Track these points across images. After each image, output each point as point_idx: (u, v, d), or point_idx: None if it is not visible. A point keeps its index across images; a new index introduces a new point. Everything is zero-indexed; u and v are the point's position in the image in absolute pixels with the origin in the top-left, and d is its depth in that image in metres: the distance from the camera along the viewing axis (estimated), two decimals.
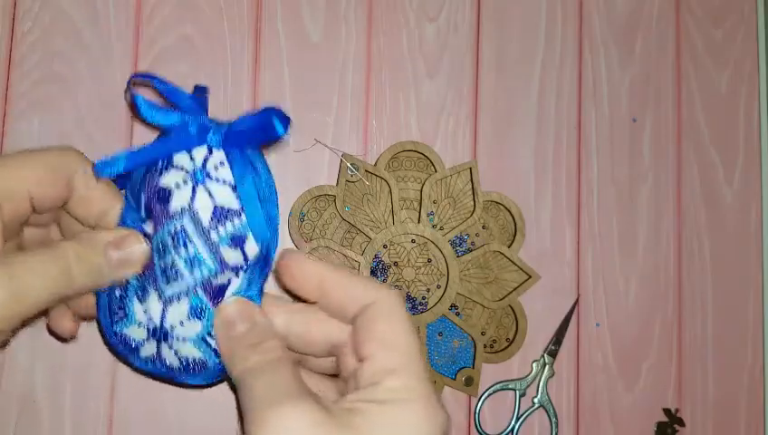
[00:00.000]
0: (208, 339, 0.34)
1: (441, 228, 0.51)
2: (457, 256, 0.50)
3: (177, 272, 0.33)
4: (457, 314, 0.51)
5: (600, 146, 0.54)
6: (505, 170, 0.53)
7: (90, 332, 0.46)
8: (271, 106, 0.35)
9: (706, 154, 0.56)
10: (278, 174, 0.49)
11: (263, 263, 0.34)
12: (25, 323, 0.31)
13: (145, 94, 0.34)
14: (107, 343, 0.36)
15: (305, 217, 0.49)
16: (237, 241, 0.34)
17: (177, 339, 0.34)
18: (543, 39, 0.55)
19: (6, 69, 0.48)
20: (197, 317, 0.34)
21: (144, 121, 0.34)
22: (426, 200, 0.50)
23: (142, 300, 0.34)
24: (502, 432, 0.51)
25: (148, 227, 0.34)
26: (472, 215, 0.50)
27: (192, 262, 0.33)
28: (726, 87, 0.57)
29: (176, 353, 0.34)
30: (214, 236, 0.33)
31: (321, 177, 0.50)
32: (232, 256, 0.34)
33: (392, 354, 0.30)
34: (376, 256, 0.50)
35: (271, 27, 0.51)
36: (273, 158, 0.50)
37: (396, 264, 0.50)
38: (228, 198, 0.34)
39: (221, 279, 0.34)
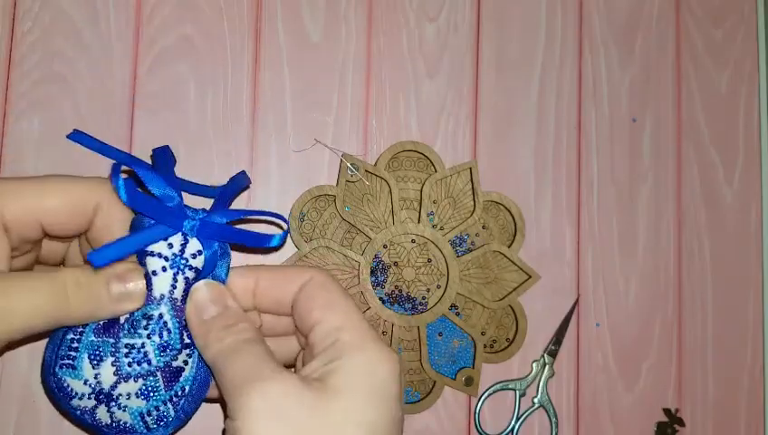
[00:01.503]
0: (146, 416, 0.34)
1: (441, 228, 0.51)
2: (457, 256, 0.50)
3: (144, 355, 0.34)
4: (457, 314, 0.51)
5: (600, 146, 0.54)
6: (505, 170, 0.53)
7: None
8: (241, 186, 0.37)
9: (706, 154, 0.56)
10: (278, 174, 0.50)
11: None
12: (11, 346, 0.31)
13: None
14: (42, 378, 0.35)
15: (305, 217, 0.49)
16: None
17: (119, 407, 0.34)
18: (543, 39, 0.55)
19: (6, 69, 0.48)
20: (146, 397, 0.34)
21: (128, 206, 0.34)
22: (426, 200, 0.50)
23: (94, 363, 0.34)
24: (502, 432, 0.51)
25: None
26: (472, 215, 0.50)
27: (164, 348, 0.34)
28: (726, 87, 0.57)
29: (111, 416, 0.35)
30: (185, 320, 0.34)
31: (321, 177, 0.50)
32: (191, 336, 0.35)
33: (337, 314, 0.32)
34: (376, 256, 0.50)
35: (271, 27, 0.51)
36: (273, 158, 0.50)
37: (396, 264, 0.50)
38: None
39: (178, 362, 0.35)
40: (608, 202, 0.54)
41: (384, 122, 0.52)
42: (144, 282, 0.34)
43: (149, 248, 0.34)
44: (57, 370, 0.34)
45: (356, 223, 0.49)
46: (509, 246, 0.51)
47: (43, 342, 0.46)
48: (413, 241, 0.50)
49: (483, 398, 0.50)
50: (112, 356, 0.34)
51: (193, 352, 0.35)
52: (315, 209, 0.50)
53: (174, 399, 0.35)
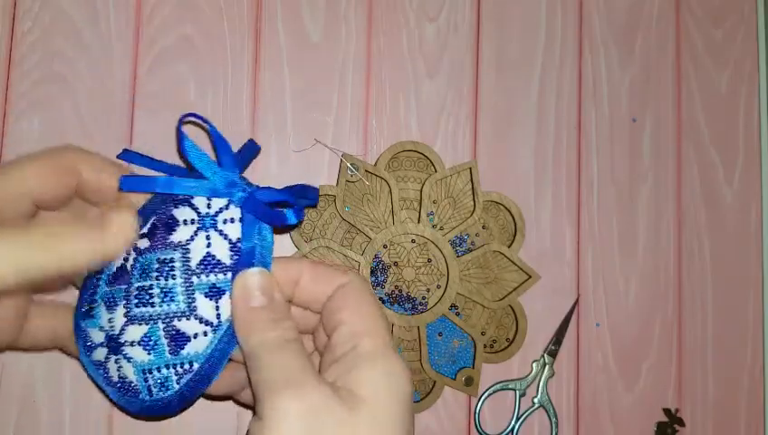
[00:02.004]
0: (147, 374, 0.34)
1: (441, 228, 0.51)
2: (457, 256, 0.50)
3: (150, 297, 0.34)
4: (457, 314, 0.51)
5: (600, 146, 0.54)
6: (505, 170, 0.53)
7: None
8: (305, 191, 0.36)
9: (706, 154, 0.56)
10: (278, 174, 0.50)
11: (232, 336, 0.34)
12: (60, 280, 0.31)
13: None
14: (75, 331, 0.37)
15: (305, 217, 0.49)
16: (215, 293, 0.34)
17: (124, 356, 0.34)
18: (543, 39, 0.55)
19: (6, 69, 0.48)
20: (147, 347, 0.34)
21: (183, 158, 0.35)
22: (426, 200, 0.50)
23: (109, 309, 0.35)
24: (502, 432, 0.51)
25: (143, 243, 0.35)
26: (472, 215, 0.50)
27: (166, 294, 0.34)
28: (726, 87, 0.57)
29: (118, 369, 0.35)
30: (195, 279, 0.34)
31: (321, 177, 0.50)
32: (204, 305, 0.34)
33: (364, 319, 0.33)
34: (376, 256, 0.50)
35: (271, 27, 0.51)
36: (273, 158, 0.50)
37: (396, 264, 0.50)
38: (223, 252, 0.34)
39: (185, 326, 0.34)
40: (608, 202, 0.54)
41: (384, 122, 0.52)
42: (131, 221, 0.32)
43: (193, 198, 0.35)
44: (81, 322, 0.36)
45: (356, 223, 0.49)
46: (509, 246, 0.51)
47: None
48: (413, 241, 0.50)
49: (483, 398, 0.50)
50: (124, 299, 0.34)
51: (215, 331, 0.34)
52: (315, 209, 0.50)
53: (179, 369, 0.34)
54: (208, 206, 0.35)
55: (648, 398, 0.53)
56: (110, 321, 0.35)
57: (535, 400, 0.51)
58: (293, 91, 0.51)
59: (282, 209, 0.35)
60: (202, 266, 0.34)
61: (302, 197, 0.36)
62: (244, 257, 0.34)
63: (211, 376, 0.35)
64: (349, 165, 0.49)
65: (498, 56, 0.54)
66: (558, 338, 0.52)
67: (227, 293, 0.34)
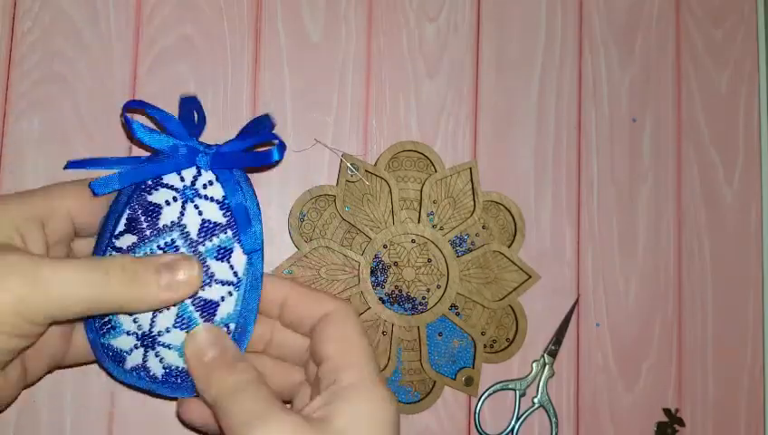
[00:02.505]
0: None
1: (441, 228, 0.51)
2: (457, 256, 0.50)
3: None
4: (457, 314, 0.51)
5: (600, 146, 0.54)
6: (505, 170, 0.53)
7: None
8: (258, 123, 0.37)
9: (706, 154, 0.56)
10: (278, 174, 0.50)
11: (254, 280, 0.36)
12: (44, 329, 0.31)
13: (139, 120, 0.36)
14: (96, 357, 0.37)
15: (305, 217, 0.49)
16: (224, 253, 0.36)
17: (163, 346, 0.36)
18: (543, 39, 0.55)
19: (6, 69, 0.48)
20: (183, 326, 0.35)
21: (139, 143, 0.35)
22: (426, 200, 0.50)
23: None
24: (502, 432, 0.51)
25: (128, 240, 0.35)
26: (472, 215, 0.50)
27: None
28: (726, 87, 0.57)
29: (161, 361, 0.36)
30: (201, 248, 0.35)
31: (321, 177, 0.50)
32: (219, 268, 0.36)
33: (347, 352, 0.33)
34: (376, 256, 0.50)
35: (271, 27, 0.51)
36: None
37: (396, 264, 0.50)
38: (215, 214, 0.36)
39: (210, 293, 0.35)
40: (608, 202, 0.54)
41: (384, 122, 0.52)
42: (197, 270, 0.34)
43: (163, 179, 0.35)
44: (102, 341, 0.36)
45: (356, 223, 0.49)
46: (509, 246, 0.51)
47: None
48: (413, 241, 0.50)
49: (483, 398, 0.50)
50: None
51: (237, 288, 0.36)
52: (315, 209, 0.50)
53: None
54: (182, 179, 0.36)
55: (647, 398, 0.53)
56: (135, 321, 0.35)
57: (535, 400, 0.51)
58: (293, 91, 0.51)
59: (257, 151, 0.36)
60: (203, 234, 0.35)
61: (259, 132, 0.37)
62: (237, 213, 0.35)
63: (247, 329, 0.36)
64: (349, 165, 0.49)
65: (498, 56, 0.54)
66: (558, 338, 0.52)
67: (234, 249, 0.35)
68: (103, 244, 0.36)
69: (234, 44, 0.50)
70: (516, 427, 0.51)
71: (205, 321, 0.35)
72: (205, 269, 0.35)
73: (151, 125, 0.39)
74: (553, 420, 0.51)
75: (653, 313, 0.54)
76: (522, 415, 0.51)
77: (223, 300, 0.36)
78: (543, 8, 0.55)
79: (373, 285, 0.49)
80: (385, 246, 0.50)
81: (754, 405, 0.54)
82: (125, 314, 0.35)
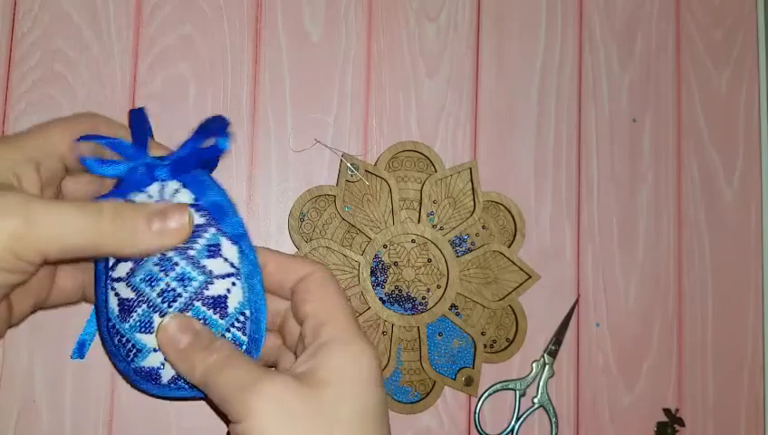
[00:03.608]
0: None
1: (441, 228, 0.51)
2: (457, 256, 0.50)
3: (173, 291, 0.36)
4: (457, 314, 0.51)
5: (599, 146, 0.54)
6: (505, 170, 0.53)
7: None
8: (208, 123, 0.38)
9: (706, 154, 0.56)
10: (278, 174, 0.50)
11: (250, 264, 0.37)
12: (37, 269, 0.32)
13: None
14: (133, 384, 0.38)
15: (305, 217, 0.49)
16: (214, 250, 0.37)
17: None
18: (543, 39, 0.55)
19: (6, 69, 0.48)
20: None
21: (98, 176, 0.36)
22: (426, 200, 0.50)
23: (148, 331, 0.36)
24: (502, 432, 0.51)
25: (125, 268, 0.36)
26: (472, 215, 0.50)
27: (183, 279, 0.36)
28: (726, 87, 0.57)
29: None
30: (191, 252, 0.36)
31: (321, 177, 0.50)
32: (215, 265, 0.37)
33: (326, 308, 0.35)
34: (376, 256, 0.50)
35: (271, 27, 0.51)
36: (273, 158, 0.50)
37: (396, 264, 0.50)
38: (194, 217, 0.36)
39: (216, 290, 0.37)
40: (608, 202, 0.54)
41: (384, 122, 0.52)
42: (189, 219, 0.35)
43: (134, 202, 0.36)
44: (134, 365, 0.37)
45: (356, 223, 0.49)
46: (509, 246, 0.51)
47: (44, 342, 0.46)
48: (413, 241, 0.50)
49: (483, 398, 0.50)
50: (154, 312, 0.36)
51: (239, 277, 0.37)
52: (315, 209, 0.50)
53: (237, 324, 0.37)
54: (150, 196, 0.37)
55: (647, 398, 0.53)
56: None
57: (535, 400, 0.51)
58: (293, 91, 0.51)
59: (206, 147, 0.37)
60: (189, 239, 0.36)
61: (211, 129, 0.38)
62: (213, 210, 0.37)
63: (262, 310, 0.37)
64: (349, 165, 0.49)
65: (498, 56, 0.54)
66: (558, 338, 0.52)
67: (222, 243, 0.37)
68: (101, 281, 0.37)
69: (234, 44, 0.50)
70: (516, 427, 0.51)
71: (220, 316, 0.37)
72: (201, 269, 0.36)
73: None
74: (553, 420, 0.51)
75: (653, 313, 0.54)
76: (522, 415, 0.51)
77: (229, 292, 0.37)
78: (543, 8, 0.55)
79: (373, 285, 0.49)
80: (385, 246, 0.50)
81: (754, 405, 0.54)
82: (120, 258, 0.36)
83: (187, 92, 0.49)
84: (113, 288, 0.37)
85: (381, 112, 0.52)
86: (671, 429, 0.52)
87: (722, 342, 0.54)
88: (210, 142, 0.37)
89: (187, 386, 0.37)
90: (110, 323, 0.37)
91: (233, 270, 0.37)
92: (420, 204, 0.50)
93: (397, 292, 0.50)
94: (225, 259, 0.37)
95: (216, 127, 0.38)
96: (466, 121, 0.53)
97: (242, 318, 0.37)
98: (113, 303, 0.37)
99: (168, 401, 0.47)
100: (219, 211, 0.37)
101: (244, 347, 0.37)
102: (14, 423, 0.45)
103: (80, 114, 0.37)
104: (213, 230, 0.37)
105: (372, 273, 0.50)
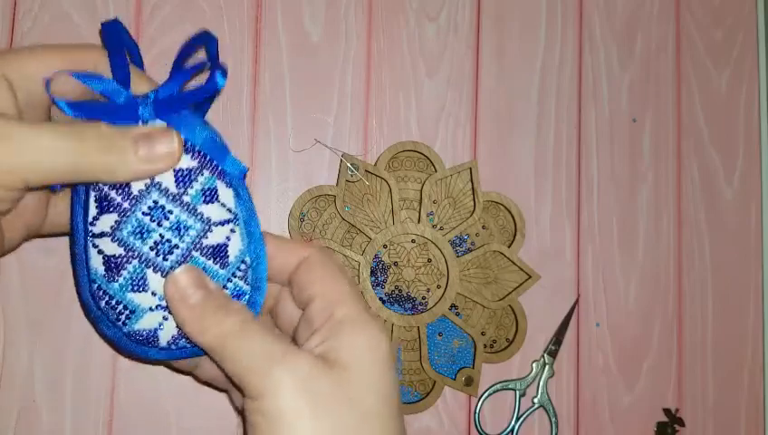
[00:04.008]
0: None
1: (441, 228, 0.51)
2: (457, 256, 0.50)
3: (168, 243, 0.33)
4: (457, 314, 0.51)
5: (599, 146, 0.54)
6: (505, 170, 0.53)
7: (89, 332, 0.46)
8: (193, 43, 0.35)
9: (706, 154, 0.56)
10: (278, 174, 0.50)
11: (247, 209, 0.35)
12: (24, 192, 0.30)
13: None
14: (124, 350, 0.36)
15: (305, 217, 0.49)
16: (210, 194, 0.34)
17: None
18: (543, 39, 0.55)
19: None
20: None
21: (79, 118, 0.33)
22: (426, 200, 0.50)
23: (141, 289, 0.33)
24: (502, 432, 0.51)
25: (109, 221, 0.33)
26: (472, 215, 0.50)
27: (178, 228, 0.33)
28: (726, 87, 0.57)
29: None
30: (186, 198, 0.33)
31: (321, 177, 0.50)
32: (212, 211, 0.34)
33: (335, 289, 0.33)
34: (376, 256, 0.50)
35: (271, 27, 0.51)
36: (273, 158, 0.50)
37: (396, 264, 0.50)
38: (185, 160, 0.33)
39: (214, 238, 0.34)
40: (608, 202, 0.54)
41: (384, 122, 0.52)
42: (176, 141, 0.32)
43: None
44: (126, 330, 0.34)
45: (356, 223, 0.49)
46: (509, 246, 0.51)
47: (44, 342, 0.46)
48: (413, 241, 0.50)
49: (483, 398, 0.50)
50: (148, 267, 0.33)
51: (237, 223, 0.34)
52: (315, 209, 0.50)
53: (238, 273, 0.34)
54: None
55: (647, 398, 0.53)
56: (153, 293, 0.34)
57: (535, 400, 0.51)
58: (293, 91, 0.51)
59: (199, 84, 0.34)
60: (182, 184, 0.33)
61: (193, 54, 0.35)
62: (207, 147, 0.33)
63: (262, 256, 0.35)
64: (349, 165, 0.49)
65: (498, 56, 0.54)
66: (558, 338, 0.52)
67: (218, 187, 0.34)
68: (80, 237, 0.33)
69: (234, 44, 0.50)
70: (516, 427, 0.51)
71: (221, 266, 0.34)
72: (199, 216, 0.33)
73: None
74: (553, 420, 0.51)
75: (653, 313, 0.54)
76: (522, 415, 0.51)
77: (229, 239, 0.34)
78: (543, 8, 0.55)
79: (373, 285, 0.49)
80: (385, 247, 0.50)
81: (754, 405, 0.54)
82: (104, 184, 0.33)
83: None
84: (95, 245, 0.33)
85: (381, 112, 0.52)
86: (671, 429, 0.52)
87: (722, 342, 0.54)
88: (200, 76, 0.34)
89: (189, 345, 0.34)
90: (95, 286, 0.34)
91: (230, 216, 0.34)
92: (420, 204, 0.50)
93: (397, 292, 0.50)
94: (223, 204, 0.34)
95: (207, 51, 0.34)
96: (466, 121, 0.53)
97: (243, 266, 0.34)
98: (96, 262, 0.33)
99: (169, 401, 0.47)
100: (214, 147, 0.33)
101: (248, 296, 0.35)
102: (14, 423, 0.45)
103: (73, 44, 0.34)
104: (207, 173, 0.33)
105: (372, 273, 0.50)
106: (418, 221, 0.50)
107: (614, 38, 0.56)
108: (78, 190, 0.34)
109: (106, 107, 0.32)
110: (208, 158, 0.33)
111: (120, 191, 0.33)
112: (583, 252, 0.53)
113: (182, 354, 0.35)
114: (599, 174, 0.54)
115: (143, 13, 0.50)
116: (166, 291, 0.33)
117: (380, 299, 0.49)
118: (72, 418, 0.46)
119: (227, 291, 0.34)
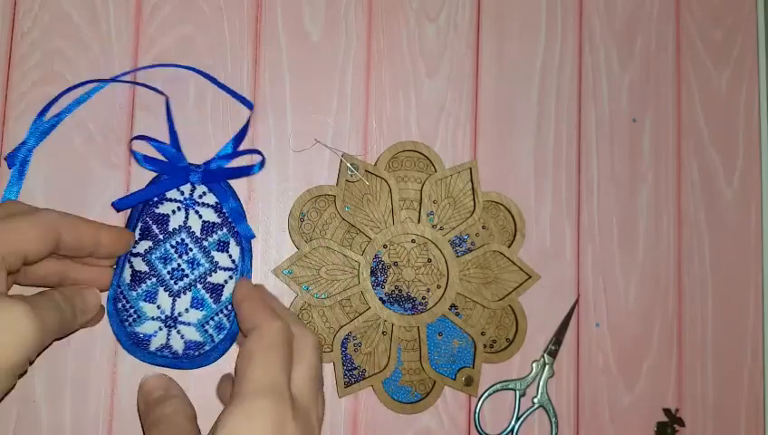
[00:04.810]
0: (206, 326, 0.45)
1: (441, 228, 0.51)
2: (457, 256, 0.50)
3: (182, 272, 0.45)
4: (457, 314, 0.51)
5: (599, 146, 0.54)
6: (505, 170, 0.53)
7: (90, 332, 0.46)
8: (242, 134, 0.48)
9: (706, 154, 0.56)
10: (278, 174, 0.50)
11: (246, 268, 0.46)
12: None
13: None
14: (121, 343, 0.45)
15: (305, 217, 0.49)
16: (223, 245, 0.46)
17: (184, 324, 0.45)
18: (543, 39, 0.55)
19: (6, 69, 0.48)
20: (198, 307, 0.45)
21: (144, 168, 0.46)
22: (426, 200, 0.50)
23: (152, 301, 0.44)
24: (502, 432, 0.51)
25: (144, 246, 0.45)
26: (472, 215, 0.50)
27: (192, 263, 0.45)
28: (726, 87, 0.57)
29: (182, 338, 0.45)
30: (205, 243, 0.45)
31: (321, 177, 0.50)
32: (221, 258, 0.45)
33: (245, 363, 0.38)
34: (376, 256, 0.50)
35: (271, 27, 0.51)
36: (273, 158, 0.50)
37: (396, 264, 0.50)
38: (212, 216, 0.46)
39: (216, 278, 0.45)
40: (608, 202, 0.54)
41: (384, 122, 0.52)
42: (98, 297, 0.43)
43: (166, 195, 0.45)
44: (128, 329, 0.44)
45: (356, 223, 0.49)
46: (509, 246, 0.51)
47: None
48: (413, 241, 0.50)
49: (483, 398, 0.50)
50: (161, 286, 0.44)
51: (234, 275, 0.46)
52: (315, 209, 0.50)
53: (225, 311, 0.45)
54: (182, 193, 0.46)
55: (647, 398, 0.53)
56: (159, 307, 0.44)
57: (535, 400, 0.51)
58: (293, 91, 0.51)
59: (238, 166, 0.47)
60: (205, 232, 0.45)
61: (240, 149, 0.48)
62: (232, 214, 0.46)
63: None
64: (349, 165, 0.49)
65: (498, 56, 0.54)
66: (558, 338, 0.52)
67: (230, 242, 0.46)
68: (123, 256, 0.45)
69: (234, 44, 0.50)
70: (516, 427, 0.51)
71: (214, 301, 0.45)
72: (210, 259, 0.45)
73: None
74: (553, 420, 0.51)
75: (653, 313, 0.54)
76: (522, 415, 0.51)
77: (226, 283, 0.45)
78: (543, 8, 0.55)
79: (373, 285, 0.49)
80: (385, 246, 0.50)
81: (754, 405, 0.54)
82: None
83: (187, 92, 0.49)
84: (130, 261, 0.44)
85: (381, 112, 0.52)
86: (671, 429, 0.52)
87: (722, 342, 0.54)
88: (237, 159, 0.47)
89: (170, 356, 0.44)
90: (119, 290, 0.44)
91: (233, 265, 0.46)
92: (420, 204, 0.50)
93: (397, 292, 0.50)
94: (230, 256, 0.46)
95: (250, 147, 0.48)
96: (466, 121, 0.53)
97: (230, 307, 0.45)
98: (127, 272, 0.44)
99: None
100: (237, 216, 0.46)
101: (226, 331, 0.45)
102: (14, 423, 0.45)
103: (39, 211, 0.39)
104: (225, 230, 0.46)
105: (372, 273, 0.50)
106: (418, 221, 0.50)
107: (614, 38, 0.56)
108: (130, 219, 0.46)
109: (168, 166, 0.46)
110: (230, 220, 0.46)
111: (160, 227, 0.45)
112: (583, 252, 0.53)
113: (163, 363, 0.45)
114: (599, 174, 0.54)
115: (143, 13, 0.50)
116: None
117: (380, 299, 0.49)
118: (71, 418, 0.46)
119: (214, 323, 0.45)
